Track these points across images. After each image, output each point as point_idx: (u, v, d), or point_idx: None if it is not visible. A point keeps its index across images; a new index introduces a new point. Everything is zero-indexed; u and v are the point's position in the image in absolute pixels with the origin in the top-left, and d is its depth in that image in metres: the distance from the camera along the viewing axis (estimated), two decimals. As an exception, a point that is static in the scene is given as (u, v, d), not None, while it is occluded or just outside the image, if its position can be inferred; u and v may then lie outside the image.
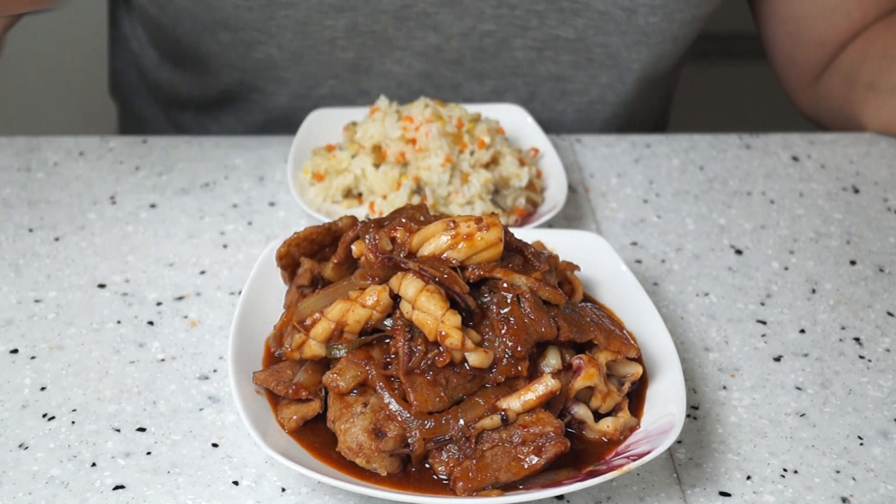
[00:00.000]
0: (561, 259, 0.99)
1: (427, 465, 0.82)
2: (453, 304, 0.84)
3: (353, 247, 0.92)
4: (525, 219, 1.18)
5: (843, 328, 1.07)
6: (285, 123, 1.50)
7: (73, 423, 0.91)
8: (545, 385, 0.82)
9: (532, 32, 1.41)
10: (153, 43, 1.55)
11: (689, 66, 2.34)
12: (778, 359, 1.02)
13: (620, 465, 0.80)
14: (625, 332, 0.90)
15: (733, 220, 1.25)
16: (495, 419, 0.81)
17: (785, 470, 0.88)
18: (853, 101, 1.47)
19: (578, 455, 0.84)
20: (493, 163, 1.22)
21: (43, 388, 0.94)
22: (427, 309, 0.82)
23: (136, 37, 1.60)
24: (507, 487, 0.80)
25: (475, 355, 0.82)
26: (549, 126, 1.50)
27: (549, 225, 1.20)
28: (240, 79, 1.45)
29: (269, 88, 1.45)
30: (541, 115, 1.50)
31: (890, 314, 1.09)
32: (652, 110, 1.64)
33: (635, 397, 0.90)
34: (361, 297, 0.85)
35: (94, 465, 0.86)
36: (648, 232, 1.22)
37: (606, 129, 1.54)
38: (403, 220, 0.90)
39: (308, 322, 0.86)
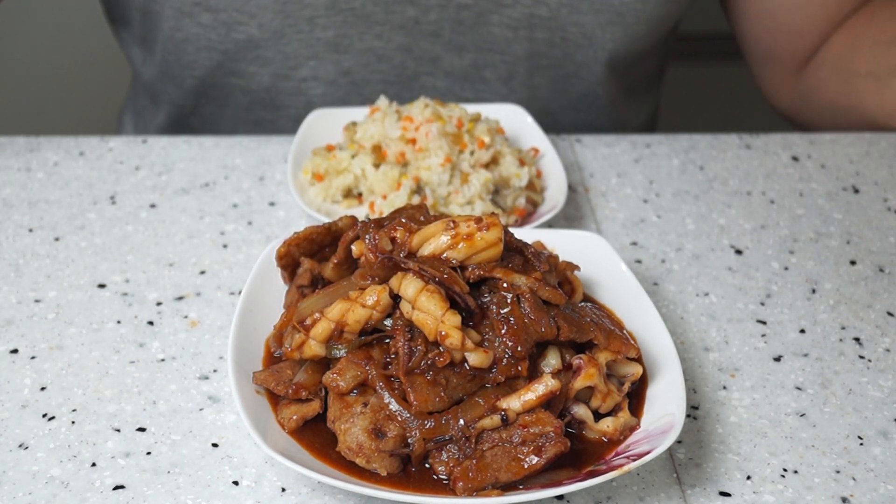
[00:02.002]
0: (561, 259, 0.99)
1: (427, 465, 0.82)
2: (453, 304, 0.84)
3: (353, 247, 0.92)
4: (525, 219, 1.18)
5: (843, 328, 1.07)
6: (268, 106, 1.50)
7: (73, 423, 0.91)
8: (545, 385, 0.82)
9: (507, 10, 1.43)
10: (140, 40, 1.55)
11: (689, 67, 2.35)
12: (778, 359, 1.02)
13: (620, 465, 0.80)
14: (625, 332, 0.90)
15: (733, 220, 1.25)
16: (495, 419, 0.81)
17: (785, 470, 0.88)
18: (851, 93, 1.47)
19: (578, 455, 0.84)
20: (493, 163, 1.22)
21: (43, 388, 0.94)
22: (427, 309, 0.82)
23: (124, 39, 1.60)
24: (507, 487, 0.80)
25: (475, 355, 0.82)
26: (530, 103, 1.51)
27: (549, 225, 1.20)
28: (220, 62, 1.45)
29: (250, 70, 1.45)
30: (520, 94, 1.51)
31: (890, 314, 1.09)
32: (630, 91, 1.62)
33: (635, 397, 0.90)
34: (361, 297, 0.85)
35: (94, 465, 0.86)
36: (648, 232, 1.22)
37: (583, 103, 1.54)
38: (403, 220, 0.90)
39: (308, 322, 0.86)
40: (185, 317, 1.04)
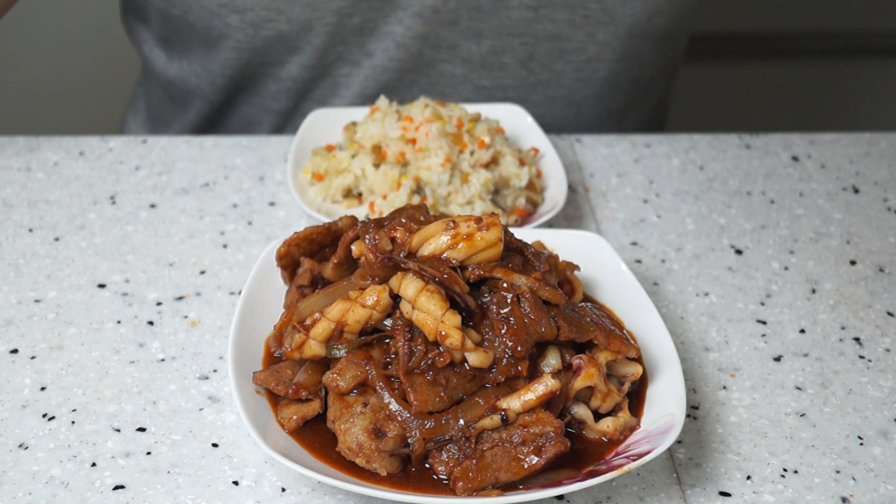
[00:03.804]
0: (561, 259, 0.99)
1: (427, 465, 0.82)
2: (453, 304, 0.84)
3: (353, 247, 0.92)
4: (525, 219, 1.18)
5: (843, 328, 1.07)
6: (294, 93, 1.50)
7: (73, 423, 0.91)
8: (545, 385, 0.82)
9: None
10: (160, 41, 1.56)
11: (689, 66, 2.34)
12: (778, 359, 1.02)
13: (620, 465, 0.80)
14: (625, 332, 0.90)
15: (733, 220, 1.25)
16: (495, 419, 0.81)
17: (785, 470, 0.88)
18: None
19: (578, 455, 0.84)
20: (493, 163, 1.22)
21: (43, 388, 0.94)
22: (427, 309, 0.82)
23: (145, 40, 1.61)
24: (507, 487, 0.80)
25: (475, 355, 0.82)
26: (549, 87, 1.50)
27: (549, 225, 1.20)
28: (250, 58, 1.46)
29: (281, 59, 1.46)
30: (539, 75, 1.51)
31: (890, 314, 1.09)
32: (651, 72, 1.62)
33: (635, 397, 0.90)
34: (361, 297, 0.85)
35: (94, 465, 0.86)
36: (648, 232, 1.22)
37: (606, 87, 1.54)
38: (403, 220, 0.90)
39: (308, 322, 0.86)
40: (185, 317, 1.04)
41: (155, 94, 1.67)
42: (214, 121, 1.59)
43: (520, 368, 0.83)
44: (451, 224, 0.86)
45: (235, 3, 1.39)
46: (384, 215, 0.95)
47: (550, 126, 1.51)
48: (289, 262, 0.99)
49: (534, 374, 0.84)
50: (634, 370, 0.88)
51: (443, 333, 0.81)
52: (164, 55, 1.58)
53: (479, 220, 0.86)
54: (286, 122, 1.55)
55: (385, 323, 0.86)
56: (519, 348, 0.83)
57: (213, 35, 1.44)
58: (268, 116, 1.55)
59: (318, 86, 1.49)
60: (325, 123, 1.32)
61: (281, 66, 1.48)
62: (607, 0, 1.44)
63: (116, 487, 0.84)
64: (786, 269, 1.16)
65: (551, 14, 1.46)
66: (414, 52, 1.46)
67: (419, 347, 0.83)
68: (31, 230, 1.17)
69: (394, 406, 0.82)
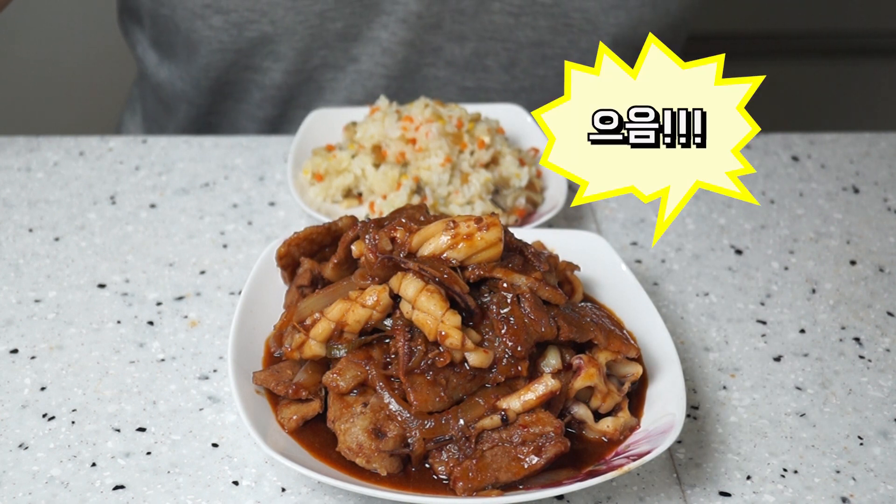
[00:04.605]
0: (561, 259, 0.99)
1: (427, 465, 0.82)
2: (453, 304, 0.84)
3: (353, 247, 0.92)
4: (525, 219, 1.18)
5: (843, 328, 1.07)
6: (279, 100, 1.50)
7: (73, 423, 0.91)
8: (545, 385, 0.82)
9: None
10: (153, 42, 1.56)
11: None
12: (778, 359, 1.02)
13: (620, 465, 0.80)
14: (625, 332, 0.90)
15: (733, 220, 1.25)
16: (495, 419, 0.81)
17: (785, 470, 0.88)
18: None
19: (578, 455, 0.84)
20: (493, 163, 1.22)
21: (43, 388, 0.94)
22: (427, 309, 0.82)
23: (139, 41, 1.61)
24: (507, 487, 0.80)
25: (475, 355, 0.82)
26: (532, 92, 1.50)
27: (549, 225, 1.20)
28: (234, 60, 1.46)
29: (264, 65, 1.46)
30: (522, 81, 1.51)
31: (890, 314, 1.09)
32: None
33: (635, 397, 0.90)
34: (361, 297, 0.85)
35: (94, 465, 0.86)
36: (648, 232, 1.22)
37: None
38: (403, 220, 0.90)
39: (308, 322, 0.86)
40: (185, 317, 1.04)
41: (149, 97, 1.67)
42: (202, 127, 1.59)
43: (520, 368, 0.83)
44: (451, 224, 0.86)
45: (219, 3, 1.39)
46: (384, 215, 0.95)
47: None
48: (289, 262, 0.99)
49: (534, 374, 0.84)
50: (634, 370, 0.88)
51: (443, 333, 0.81)
52: (156, 57, 1.58)
53: (479, 220, 0.86)
54: (273, 131, 1.55)
55: (385, 323, 0.86)
56: (519, 348, 0.83)
57: (196, 36, 1.44)
58: (253, 124, 1.55)
59: (302, 92, 1.49)
60: (324, 123, 1.32)
61: (264, 73, 1.47)
62: (590, 9, 1.44)
63: (116, 487, 0.84)
64: (786, 269, 1.16)
65: (533, 21, 1.46)
66: (400, 58, 1.46)
67: (419, 347, 0.83)
68: (31, 230, 1.17)
69: (394, 406, 0.82)
